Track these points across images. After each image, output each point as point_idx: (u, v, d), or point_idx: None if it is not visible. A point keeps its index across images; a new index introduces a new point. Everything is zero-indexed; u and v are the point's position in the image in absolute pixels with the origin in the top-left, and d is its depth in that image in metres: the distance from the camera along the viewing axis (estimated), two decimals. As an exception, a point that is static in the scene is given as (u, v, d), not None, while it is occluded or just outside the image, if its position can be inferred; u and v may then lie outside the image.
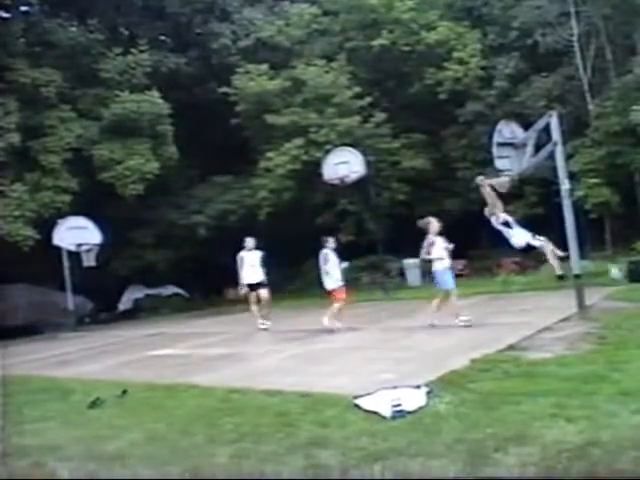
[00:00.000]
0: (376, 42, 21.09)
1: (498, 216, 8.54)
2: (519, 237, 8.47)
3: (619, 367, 4.96)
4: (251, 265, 11.23)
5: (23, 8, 20.48)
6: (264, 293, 11.32)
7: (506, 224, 8.52)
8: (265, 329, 11.07)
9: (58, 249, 16.64)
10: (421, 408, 4.36)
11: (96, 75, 19.82)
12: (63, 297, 16.93)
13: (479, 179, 8.84)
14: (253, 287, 11.29)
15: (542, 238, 8.52)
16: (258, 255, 11.37)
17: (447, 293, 8.84)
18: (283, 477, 3.48)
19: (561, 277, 8.53)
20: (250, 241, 11.42)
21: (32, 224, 16.60)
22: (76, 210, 17.19)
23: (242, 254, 11.35)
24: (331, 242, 10.22)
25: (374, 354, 7.39)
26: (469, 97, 20.98)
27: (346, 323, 9.92)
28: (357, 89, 20.65)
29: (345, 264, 10.41)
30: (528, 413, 3.99)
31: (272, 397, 5.21)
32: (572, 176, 12.65)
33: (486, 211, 8.74)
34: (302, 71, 20.91)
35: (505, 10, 21.28)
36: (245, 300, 11.69)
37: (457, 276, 10.24)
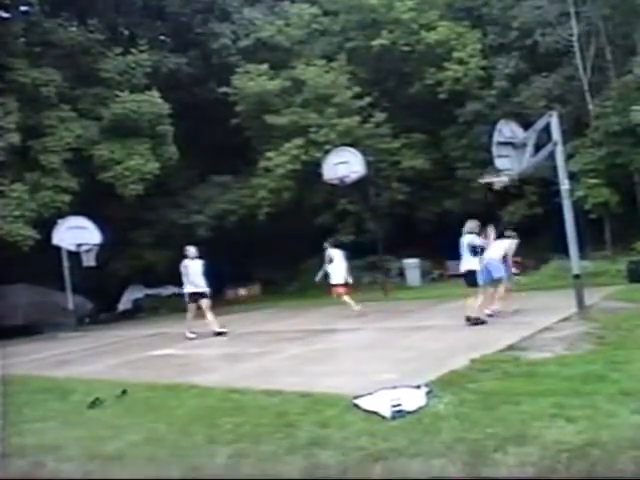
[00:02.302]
0: (376, 42, 21.08)
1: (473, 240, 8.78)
2: (470, 263, 8.69)
3: (619, 367, 4.96)
4: (197, 274, 11.07)
5: (23, 8, 20.44)
6: (205, 302, 11.09)
7: (474, 248, 8.74)
8: (194, 338, 10.70)
9: (58, 249, 16.62)
10: (421, 408, 4.36)
11: (96, 75, 19.78)
12: (63, 297, 16.90)
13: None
14: (197, 297, 11.10)
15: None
16: (201, 264, 11.19)
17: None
18: (283, 477, 3.48)
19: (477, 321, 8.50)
20: (192, 249, 11.21)
21: (32, 224, 16.57)
22: (76, 210, 17.15)
23: (186, 262, 11.09)
24: None
25: (374, 354, 7.39)
26: (469, 97, 20.97)
27: (347, 323, 9.91)
28: (357, 89, 20.65)
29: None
30: (528, 413, 3.99)
31: (272, 397, 5.21)
32: (572, 176, 12.62)
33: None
34: (302, 71, 20.90)
35: (505, 10, 21.26)
36: (241, 301, 11.47)
37: (456, 276, 10.25)
